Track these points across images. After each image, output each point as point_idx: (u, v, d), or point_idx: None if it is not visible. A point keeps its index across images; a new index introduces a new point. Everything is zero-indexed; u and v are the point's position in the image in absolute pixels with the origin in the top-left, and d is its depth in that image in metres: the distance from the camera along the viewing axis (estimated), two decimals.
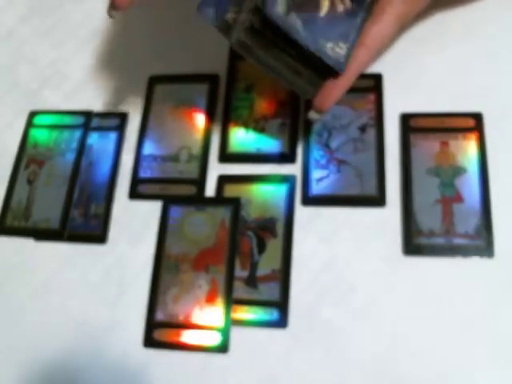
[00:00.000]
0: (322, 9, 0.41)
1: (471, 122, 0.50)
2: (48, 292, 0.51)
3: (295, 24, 0.39)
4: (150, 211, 0.52)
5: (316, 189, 0.50)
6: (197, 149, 0.54)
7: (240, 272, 0.48)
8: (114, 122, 0.57)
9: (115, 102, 0.58)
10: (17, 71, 0.63)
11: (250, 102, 0.55)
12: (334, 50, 0.41)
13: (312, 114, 0.45)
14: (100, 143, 0.56)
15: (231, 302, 0.47)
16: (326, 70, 0.42)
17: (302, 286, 0.47)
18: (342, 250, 0.48)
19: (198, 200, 0.52)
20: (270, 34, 0.40)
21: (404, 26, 0.48)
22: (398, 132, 0.51)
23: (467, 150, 0.49)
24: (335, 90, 0.44)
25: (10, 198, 0.55)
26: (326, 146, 0.51)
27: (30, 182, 0.56)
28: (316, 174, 0.51)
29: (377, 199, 0.49)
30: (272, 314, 0.47)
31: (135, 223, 0.53)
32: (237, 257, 0.49)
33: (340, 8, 0.41)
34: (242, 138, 0.53)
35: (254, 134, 0.53)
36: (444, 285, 0.45)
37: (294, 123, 0.53)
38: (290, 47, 0.41)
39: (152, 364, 0.47)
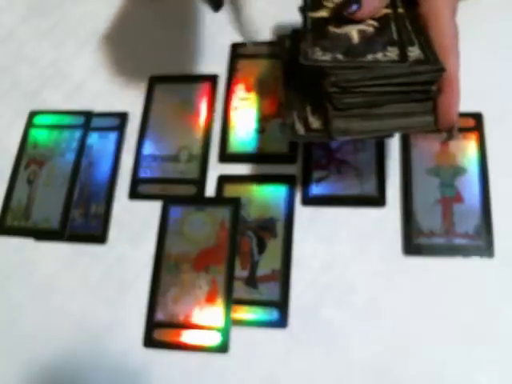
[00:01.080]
0: (353, 39, 0.40)
1: (471, 122, 0.50)
2: (48, 292, 0.51)
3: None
4: (150, 211, 0.52)
5: (316, 189, 0.50)
6: (197, 149, 0.54)
7: (240, 272, 0.48)
8: (114, 121, 0.57)
9: (115, 102, 0.58)
10: (17, 71, 0.63)
11: (250, 101, 0.55)
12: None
13: (449, 137, 0.42)
14: (100, 143, 0.56)
15: (231, 302, 0.47)
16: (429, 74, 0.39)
17: (302, 286, 0.47)
18: (341, 250, 0.48)
19: (198, 200, 0.52)
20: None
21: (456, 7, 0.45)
22: None
23: (467, 150, 0.49)
24: (452, 97, 0.40)
25: (10, 198, 0.55)
26: (326, 146, 0.51)
27: (30, 181, 0.56)
28: (316, 174, 0.50)
29: (377, 199, 0.49)
30: (272, 314, 0.47)
31: (135, 223, 0.53)
32: (237, 257, 0.49)
33: (370, 29, 0.41)
34: (242, 138, 0.53)
35: (254, 134, 0.53)
36: (444, 285, 0.45)
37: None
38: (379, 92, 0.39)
39: (152, 364, 0.47)
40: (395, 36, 0.40)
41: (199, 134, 0.54)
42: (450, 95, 0.40)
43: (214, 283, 0.48)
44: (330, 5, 0.42)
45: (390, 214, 0.48)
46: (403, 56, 0.38)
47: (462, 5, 0.55)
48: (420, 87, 0.39)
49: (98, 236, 0.52)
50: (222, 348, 0.46)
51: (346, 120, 0.39)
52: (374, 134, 0.41)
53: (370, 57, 0.38)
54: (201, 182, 0.53)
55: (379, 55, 0.39)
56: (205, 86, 0.56)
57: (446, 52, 0.41)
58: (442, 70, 0.39)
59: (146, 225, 0.52)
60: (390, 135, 0.43)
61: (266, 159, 0.52)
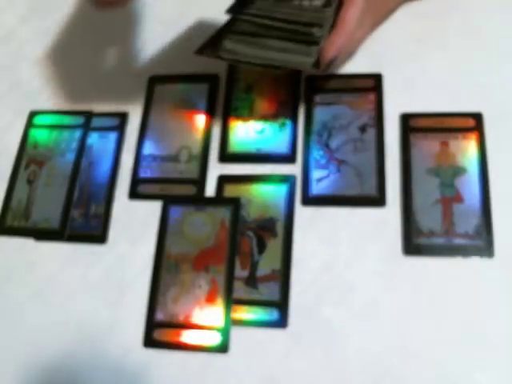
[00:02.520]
0: None
1: (471, 122, 0.50)
2: (48, 292, 0.51)
3: None
4: (150, 211, 0.52)
5: (316, 189, 0.50)
6: (197, 149, 0.54)
7: (240, 272, 0.48)
8: (114, 121, 0.57)
9: (115, 102, 0.58)
10: (17, 71, 0.63)
11: (249, 101, 0.55)
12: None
13: (324, 69, 0.47)
14: (100, 143, 0.56)
15: (231, 302, 0.47)
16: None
17: (302, 285, 0.47)
18: (342, 250, 0.48)
19: (198, 200, 0.52)
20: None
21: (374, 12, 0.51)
22: (398, 132, 0.51)
23: (467, 150, 0.49)
24: (337, 36, 0.46)
25: (10, 198, 0.55)
26: (326, 146, 0.51)
27: (30, 181, 0.56)
28: (316, 173, 0.51)
29: (377, 199, 0.49)
30: (272, 314, 0.47)
31: (135, 223, 0.53)
32: (237, 257, 0.49)
33: None
34: (242, 137, 0.53)
35: (254, 134, 0.53)
36: (444, 285, 0.45)
37: (294, 123, 0.53)
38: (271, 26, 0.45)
39: (152, 364, 0.47)
40: None
41: (199, 134, 0.54)
42: (336, 34, 0.46)
43: (214, 283, 0.48)
44: None
45: (390, 214, 0.48)
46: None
47: (462, 5, 0.55)
48: (302, 27, 0.46)
49: (98, 236, 0.52)
50: (222, 348, 0.46)
51: (234, 43, 0.47)
52: (255, 61, 0.47)
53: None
54: (201, 182, 0.53)
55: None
56: (205, 86, 0.56)
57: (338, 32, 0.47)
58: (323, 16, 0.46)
59: (146, 225, 0.52)
60: (275, 68, 0.47)
61: (265, 159, 0.52)
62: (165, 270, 0.50)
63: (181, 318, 0.48)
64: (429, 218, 0.47)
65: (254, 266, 0.48)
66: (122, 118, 0.57)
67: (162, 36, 0.60)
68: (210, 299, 0.48)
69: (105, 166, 0.55)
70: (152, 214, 0.52)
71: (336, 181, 0.50)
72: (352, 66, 0.54)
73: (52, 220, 0.54)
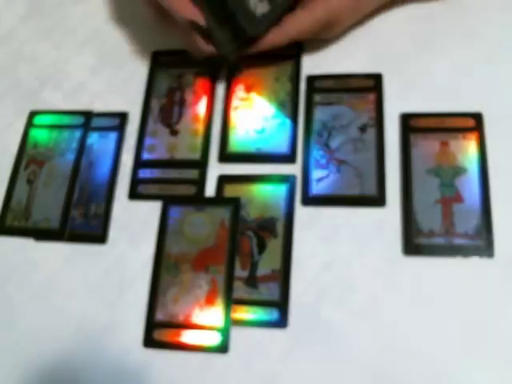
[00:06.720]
0: None
1: (471, 122, 0.50)
2: (48, 292, 0.51)
3: None
4: (150, 211, 0.52)
5: (316, 189, 0.50)
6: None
7: (240, 272, 0.48)
8: (114, 121, 0.57)
9: (115, 102, 0.58)
10: (17, 71, 0.63)
11: (249, 102, 0.55)
12: (255, 6, 0.45)
13: None
14: (100, 143, 0.56)
15: (231, 302, 0.47)
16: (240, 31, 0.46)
17: (302, 286, 0.47)
18: (342, 250, 0.48)
19: (198, 200, 0.52)
20: None
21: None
22: (398, 132, 0.51)
23: (467, 150, 0.49)
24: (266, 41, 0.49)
25: (10, 198, 0.55)
26: (326, 145, 0.51)
27: (30, 181, 0.56)
28: (316, 174, 0.50)
29: (377, 199, 0.49)
30: (272, 314, 0.47)
31: (135, 223, 0.53)
32: (237, 257, 0.49)
33: None
34: (242, 137, 0.53)
35: (254, 134, 0.53)
36: (444, 285, 0.45)
37: (294, 123, 0.53)
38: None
39: (152, 364, 0.47)
40: None
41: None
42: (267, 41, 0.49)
43: (213, 283, 0.48)
44: None
45: (390, 214, 0.48)
46: None
47: (462, 6, 0.55)
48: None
49: (98, 236, 0.52)
50: (222, 348, 0.46)
51: None
52: None
53: None
54: (201, 182, 0.53)
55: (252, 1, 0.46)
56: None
57: (303, 14, 0.48)
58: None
59: (145, 225, 0.52)
60: None
61: (265, 159, 0.52)
62: (165, 269, 0.50)
63: (181, 318, 0.48)
64: (429, 217, 0.47)
65: (254, 266, 0.48)
66: (122, 118, 0.57)
67: (161, 36, 0.60)
68: (210, 299, 0.48)
69: (105, 166, 0.55)
70: (152, 214, 0.52)
71: (336, 181, 0.50)
72: (352, 66, 0.54)
73: (52, 220, 0.54)
